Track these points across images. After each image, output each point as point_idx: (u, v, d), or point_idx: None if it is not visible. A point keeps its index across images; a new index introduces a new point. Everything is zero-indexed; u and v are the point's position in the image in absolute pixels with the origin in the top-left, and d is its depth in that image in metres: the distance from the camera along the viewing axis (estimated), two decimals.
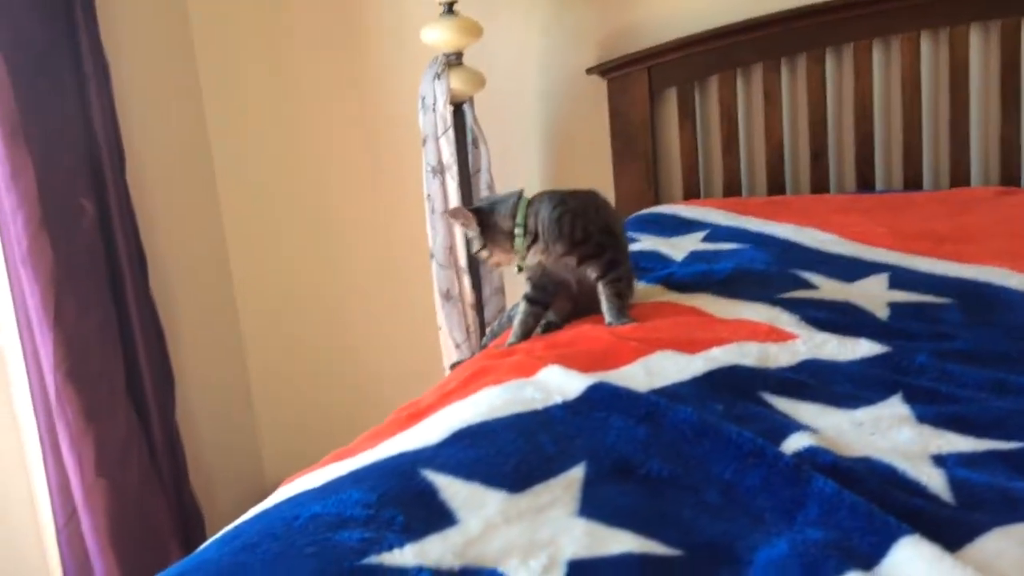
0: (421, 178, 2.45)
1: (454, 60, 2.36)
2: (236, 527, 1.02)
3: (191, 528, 2.52)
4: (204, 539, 2.33)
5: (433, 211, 2.43)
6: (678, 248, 1.97)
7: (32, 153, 2.06)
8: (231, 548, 0.95)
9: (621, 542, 0.92)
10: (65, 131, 2.17)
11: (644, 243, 2.02)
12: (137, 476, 2.30)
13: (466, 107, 2.42)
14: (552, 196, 1.58)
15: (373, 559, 0.87)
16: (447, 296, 2.43)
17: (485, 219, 1.56)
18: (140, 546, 2.27)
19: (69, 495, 2.21)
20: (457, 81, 2.35)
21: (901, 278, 1.68)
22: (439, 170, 2.40)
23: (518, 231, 1.54)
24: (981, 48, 2.25)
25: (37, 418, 2.19)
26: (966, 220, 1.99)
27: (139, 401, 2.37)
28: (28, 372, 2.17)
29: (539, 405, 1.21)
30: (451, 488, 1.01)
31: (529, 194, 1.61)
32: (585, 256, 1.55)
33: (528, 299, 1.58)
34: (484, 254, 1.59)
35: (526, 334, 1.57)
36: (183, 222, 2.75)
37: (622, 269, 1.56)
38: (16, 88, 2.03)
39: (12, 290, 2.14)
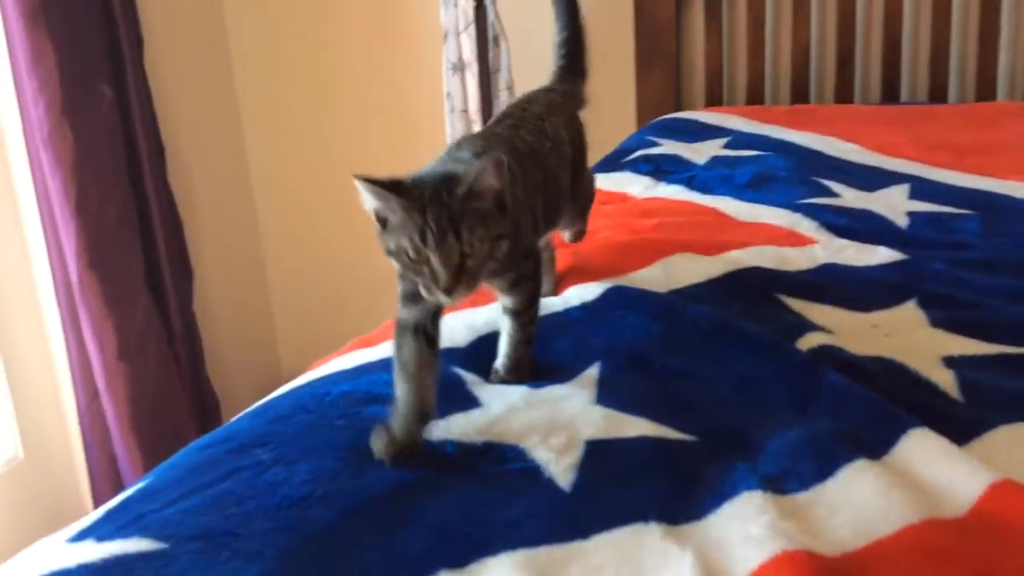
0: (441, 75, 2.43)
1: None
2: (267, 402, 1.05)
3: (208, 415, 2.59)
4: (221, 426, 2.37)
5: (452, 109, 2.42)
6: (700, 153, 1.96)
7: (52, 37, 2.05)
8: (264, 419, 0.99)
9: (637, 427, 0.95)
10: (84, 15, 2.15)
11: (665, 147, 2.02)
12: (156, 363, 2.34)
13: (488, 2, 2.38)
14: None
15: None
16: None
17: None
18: (159, 430, 2.33)
19: (91, 378, 2.26)
20: None
21: (922, 189, 1.68)
22: (459, 67, 2.39)
23: None
24: None
25: (59, 303, 2.23)
26: (990, 134, 1.98)
27: (158, 291, 2.40)
28: (50, 258, 2.19)
29: (558, 307, 1.23)
30: (476, 382, 1.05)
31: None
32: None
33: None
34: None
35: None
36: (201, 113, 2.74)
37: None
38: None
39: (34, 177, 2.15)
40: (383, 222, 0.93)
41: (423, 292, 0.93)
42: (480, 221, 0.91)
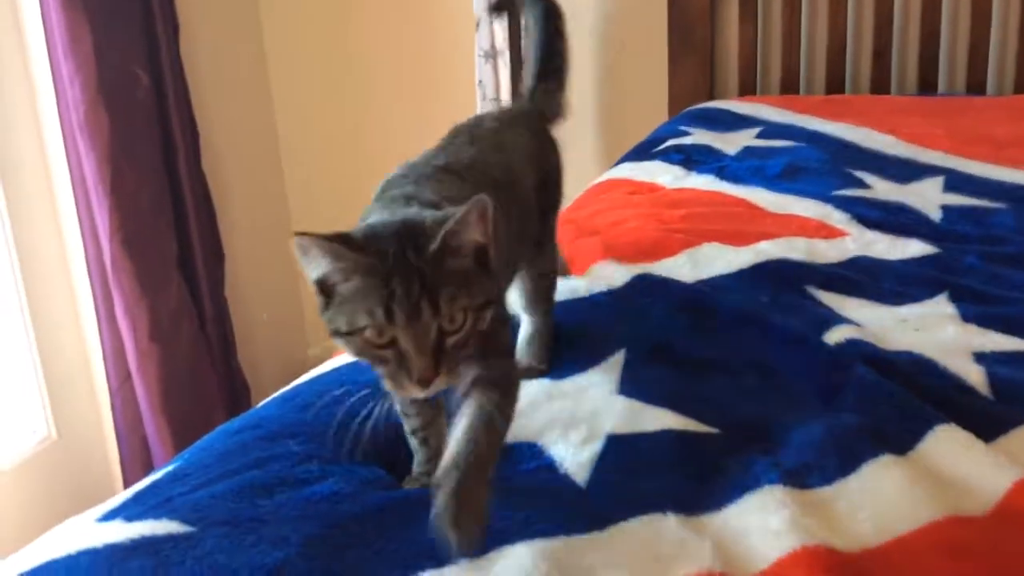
0: (473, 63, 2.43)
1: None
2: (295, 387, 1.06)
3: (238, 398, 2.61)
4: None
5: (484, 97, 2.41)
6: (731, 143, 1.95)
7: (90, 19, 2.07)
8: (292, 406, 1.00)
9: (659, 419, 0.94)
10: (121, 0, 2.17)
11: (697, 137, 2.00)
12: (188, 345, 2.37)
13: None
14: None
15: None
16: None
17: None
18: (190, 412, 2.35)
19: (123, 359, 2.29)
20: None
21: (956, 181, 1.66)
22: (492, 55, 2.38)
23: None
24: None
25: (92, 283, 2.25)
26: None
27: (190, 275, 2.42)
28: (84, 238, 2.22)
29: (584, 292, 1.23)
30: None
31: None
32: None
33: None
34: None
35: None
36: (235, 100, 2.76)
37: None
38: None
39: (68, 156, 2.18)
40: (328, 293, 0.72)
41: (388, 384, 0.72)
42: (462, 286, 0.70)
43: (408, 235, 0.71)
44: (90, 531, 0.84)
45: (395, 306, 0.69)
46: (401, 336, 0.70)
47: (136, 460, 2.35)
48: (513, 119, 1.07)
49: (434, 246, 0.70)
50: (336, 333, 0.72)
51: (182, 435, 2.30)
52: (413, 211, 0.76)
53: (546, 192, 1.04)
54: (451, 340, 0.71)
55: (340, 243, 0.70)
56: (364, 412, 0.79)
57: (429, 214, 0.74)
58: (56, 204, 2.24)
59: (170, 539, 0.80)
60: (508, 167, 0.95)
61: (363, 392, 0.82)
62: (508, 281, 0.95)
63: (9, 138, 2.13)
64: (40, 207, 2.22)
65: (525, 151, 1.01)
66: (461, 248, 0.71)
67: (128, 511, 0.86)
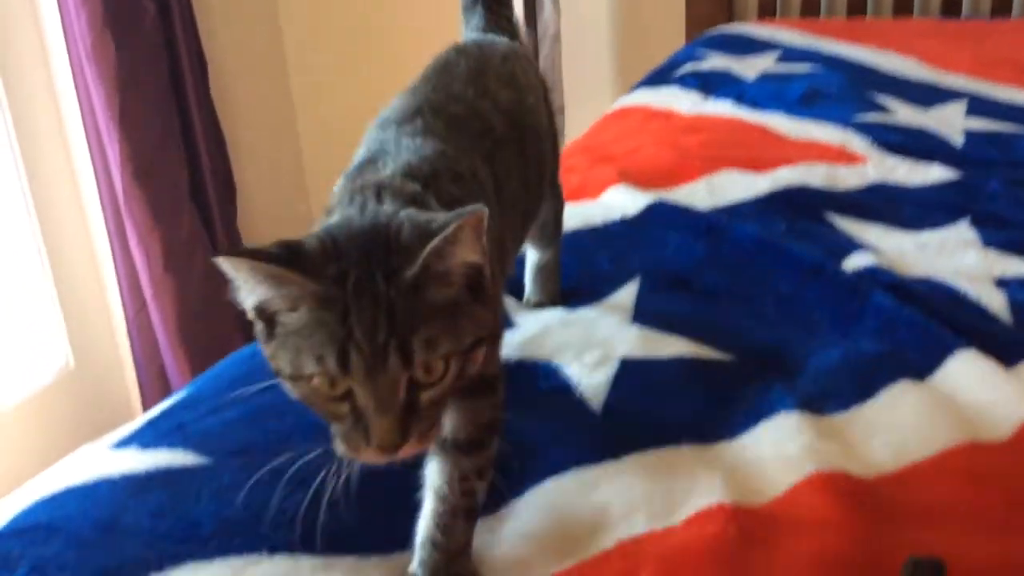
0: None
1: None
2: None
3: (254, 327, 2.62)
4: None
5: None
6: (750, 68, 1.90)
7: None
8: None
9: (673, 346, 0.93)
10: None
11: (715, 62, 1.96)
12: (202, 275, 2.37)
13: None
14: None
15: None
16: None
17: None
18: (206, 340, 2.37)
19: (138, 288, 2.30)
20: None
21: (980, 105, 1.62)
22: None
23: None
24: None
25: (105, 214, 2.25)
26: None
27: (202, 205, 2.42)
28: (95, 169, 2.21)
29: (598, 221, 1.22)
30: (511, 304, 1.04)
31: None
32: None
33: None
34: None
35: None
36: (242, 27, 2.72)
37: None
38: None
39: (77, 88, 2.16)
40: (270, 322, 0.56)
41: (341, 447, 0.56)
42: (446, 325, 0.54)
43: (377, 250, 0.54)
44: (106, 458, 0.84)
45: (352, 351, 0.52)
46: (359, 390, 0.53)
47: (154, 387, 2.37)
48: (515, 50, 0.95)
49: (412, 270, 0.53)
50: (278, 374, 0.56)
51: (200, 363, 2.32)
52: (386, 211, 0.58)
53: (550, 131, 0.97)
54: (427, 395, 0.55)
55: (283, 264, 0.53)
56: (314, 485, 0.61)
57: (406, 216, 0.56)
58: (67, 136, 2.23)
59: (185, 471, 0.80)
60: (518, 112, 0.82)
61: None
62: (511, 259, 0.82)
63: (18, 70, 2.11)
64: (51, 139, 2.21)
65: (534, 86, 0.92)
66: (449, 273, 0.55)
67: (143, 438, 0.87)
